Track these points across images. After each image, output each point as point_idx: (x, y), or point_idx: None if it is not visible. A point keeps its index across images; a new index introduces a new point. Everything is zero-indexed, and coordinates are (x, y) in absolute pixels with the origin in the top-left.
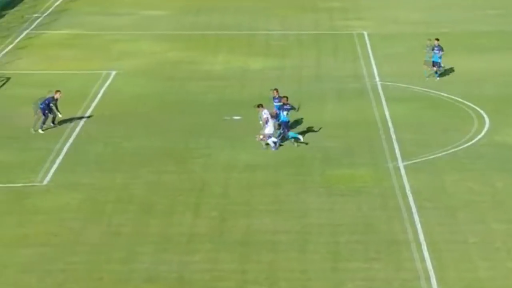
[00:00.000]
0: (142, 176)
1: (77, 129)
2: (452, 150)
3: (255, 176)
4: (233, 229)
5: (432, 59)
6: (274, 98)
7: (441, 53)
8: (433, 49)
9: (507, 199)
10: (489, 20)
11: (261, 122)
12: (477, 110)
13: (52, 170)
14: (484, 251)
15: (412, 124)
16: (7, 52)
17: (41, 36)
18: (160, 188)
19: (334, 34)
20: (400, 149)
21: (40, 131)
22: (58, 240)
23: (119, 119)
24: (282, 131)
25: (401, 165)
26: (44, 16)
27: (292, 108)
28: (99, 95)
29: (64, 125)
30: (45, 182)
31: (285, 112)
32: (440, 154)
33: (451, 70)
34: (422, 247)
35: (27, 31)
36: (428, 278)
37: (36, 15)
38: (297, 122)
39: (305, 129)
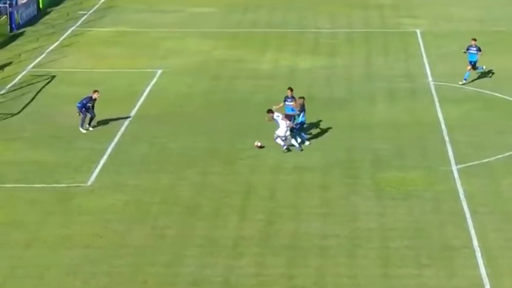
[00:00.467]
0: (188, 177)
1: (122, 129)
2: (508, 153)
3: (303, 178)
4: (280, 233)
5: (469, 59)
6: (287, 97)
7: (478, 53)
8: (468, 49)
9: None
10: None
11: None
12: None
13: (97, 171)
14: None
15: (466, 126)
16: (52, 50)
17: (87, 34)
18: (205, 189)
19: (385, 32)
20: (453, 152)
21: (81, 129)
22: (102, 242)
23: (164, 118)
24: (296, 130)
25: (454, 168)
26: (90, 13)
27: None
28: (145, 94)
29: (109, 124)
30: (89, 183)
31: (302, 113)
32: (495, 157)
33: (506, 70)
34: (476, 253)
35: (72, 28)
36: (482, 286)
37: (82, 12)
38: (347, 122)
39: (354, 130)
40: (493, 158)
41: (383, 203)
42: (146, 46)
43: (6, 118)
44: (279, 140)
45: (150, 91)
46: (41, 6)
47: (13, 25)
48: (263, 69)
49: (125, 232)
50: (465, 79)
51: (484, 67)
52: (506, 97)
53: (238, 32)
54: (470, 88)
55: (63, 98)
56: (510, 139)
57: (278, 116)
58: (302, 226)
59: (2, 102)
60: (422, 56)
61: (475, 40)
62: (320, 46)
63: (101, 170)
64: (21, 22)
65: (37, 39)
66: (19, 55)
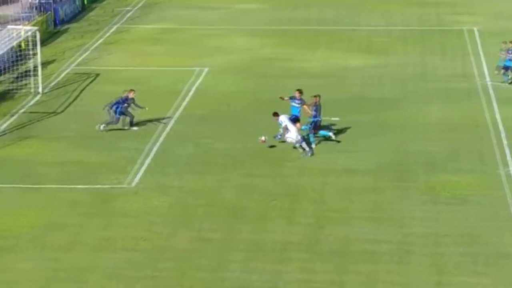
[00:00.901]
0: (234, 179)
1: (167, 129)
2: None
3: (353, 181)
4: (329, 238)
5: (504, 63)
6: (294, 98)
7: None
8: (507, 52)
9: None
10: None
11: (281, 130)
12: None
13: (141, 172)
14: None
15: None
16: (96, 47)
17: (131, 31)
18: (252, 192)
19: (441, 30)
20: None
21: (101, 127)
22: (146, 245)
23: (210, 118)
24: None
25: None
26: (135, 10)
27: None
28: (190, 93)
29: (154, 124)
30: (133, 184)
31: (316, 113)
32: None
33: None
34: None
35: (117, 25)
36: None
37: (126, 8)
38: (400, 123)
39: (407, 132)
40: None
41: (437, 208)
42: (191, 43)
43: (49, 117)
44: (304, 145)
45: (196, 90)
46: (85, 2)
47: (57, 22)
48: (313, 68)
49: (169, 235)
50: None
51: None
52: None
53: (287, 29)
54: None
55: (107, 96)
56: None
57: (283, 121)
58: (352, 231)
59: (45, 100)
60: (479, 55)
61: None
62: (372, 44)
63: (145, 171)
64: (65, 19)
65: (81, 36)
66: (63, 52)
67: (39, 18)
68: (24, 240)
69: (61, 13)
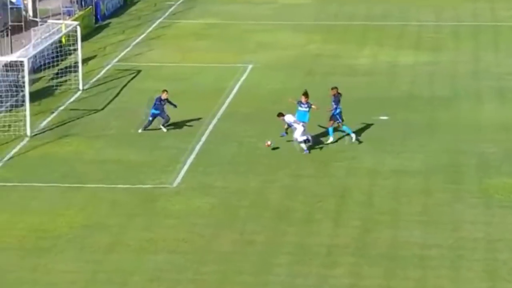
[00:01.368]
0: (279, 180)
1: (210, 127)
2: None
3: (402, 183)
4: (377, 241)
5: None
6: (300, 102)
7: None
8: None
9: None
10: None
11: (294, 125)
12: None
13: (183, 171)
14: None
15: None
16: (138, 43)
17: (174, 26)
18: (298, 193)
19: (495, 26)
20: None
21: (140, 130)
22: (188, 247)
23: (255, 116)
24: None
25: None
26: (178, 4)
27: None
28: (234, 90)
29: (197, 122)
30: (175, 184)
31: (336, 106)
32: None
33: None
34: None
35: (159, 20)
36: None
37: (169, 3)
38: (451, 122)
39: (459, 132)
40: None
41: (490, 212)
42: (236, 39)
43: (89, 114)
44: (302, 145)
45: (240, 87)
46: None
47: (99, 17)
48: (361, 65)
49: (212, 237)
50: None
51: None
52: None
53: (334, 25)
54: None
55: (149, 93)
56: None
57: (289, 119)
58: (401, 235)
59: (85, 97)
60: None
61: None
62: (423, 41)
63: (187, 171)
64: (106, 13)
65: (123, 31)
66: (104, 48)
67: (80, 13)
68: (63, 241)
69: (102, 7)
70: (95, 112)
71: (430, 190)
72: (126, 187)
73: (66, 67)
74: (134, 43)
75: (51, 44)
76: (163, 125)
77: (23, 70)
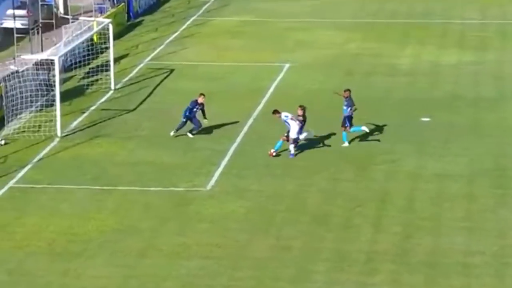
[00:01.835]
0: (316, 183)
1: (245, 128)
2: None
3: (445, 187)
4: (418, 248)
5: None
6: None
7: None
8: None
9: None
10: None
11: (295, 123)
12: None
13: (217, 174)
14: None
15: None
16: (172, 41)
17: (209, 23)
18: (336, 197)
19: None
20: None
21: (172, 133)
22: (221, 252)
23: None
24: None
25: None
26: (212, 1)
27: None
28: (270, 90)
29: (231, 123)
30: (209, 187)
31: (347, 107)
32: None
33: None
34: None
35: (193, 17)
36: None
37: (204, 0)
38: (496, 125)
39: (504, 134)
40: None
41: None
42: (272, 37)
43: (121, 114)
44: (291, 147)
45: (276, 87)
46: None
47: (131, 14)
48: (402, 65)
49: (247, 243)
50: None
51: None
52: None
53: (375, 22)
54: None
55: (182, 93)
56: None
57: (286, 117)
58: (443, 241)
59: (117, 97)
60: None
61: None
62: (467, 39)
63: (221, 174)
64: (139, 11)
65: (156, 29)
66: (137, 46)
67: (113, 10)
68: (94, 245)
69: (135, 4)
70: (127, 113)
71: (474, 195)
72: (158, 190)
73: (97, 66)
74: (168, 41)
75: (83, 42)
76: (191, 132)
77: (53, 69)
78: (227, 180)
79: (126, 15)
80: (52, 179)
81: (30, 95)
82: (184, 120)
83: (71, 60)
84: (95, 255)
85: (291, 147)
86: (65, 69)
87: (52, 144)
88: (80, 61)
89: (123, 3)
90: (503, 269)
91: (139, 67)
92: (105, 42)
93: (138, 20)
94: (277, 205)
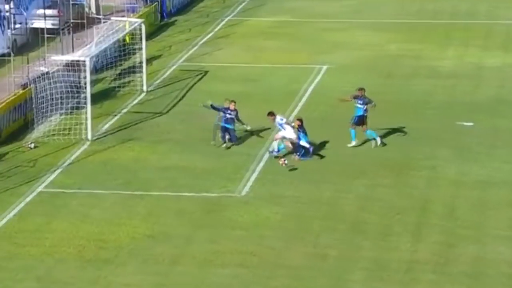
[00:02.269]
0: (354, 190)
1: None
2: None
3: (489, 195)
4: (460, 258)
5: None
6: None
7: None
8: None
9: None
10: None
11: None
12: None
13: (252, 179)
14: None
15: None
16: (206, 42)
17: (244, 24)
18: (374, 204)
19: None
20: None
21: (212, 142)
22: (256, 260)
23: (329, 121)
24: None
25: None
26: (248, 1)
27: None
28: (307, 93)
29: (266, 127)
30: (243, 193)
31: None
32: None
33: None
34: None
35: (228, 18)
36: None
37: None
38: None
39: None
40: None
41: None
42: (309, 38)
43: (153, 117)
44: (274, 144)
45: (313, 89)
46: None
47: (164, 14)
48: (445, 67)
49: (282, 251)
50: None
51: None
52: None
53: (416, 23)
54: None
55: (216, 96)
56: None
57: (282, 120)
58: (487, 251)
59: (149, 99)
60: None
61: None
62: None
63: (256, 179)
64: (172, 10)
65: (189, 29)
66: (169, 47)
67: (145, 10)
68: (125, 252)
69: (168, 4)
70: (159, 116)
71: None
72: (191, 196)
73: (129, 68)
74: (201, 42)
75: (114, 43)
76: (226, 142)
77: (84, 70)
78: (262, 185)
79: (158, 14)
80: (82, 184)
81: (60, 97)
82: (222, 134)
83: (102, 61)
84: (126, 263)
85: (274, 153)
86: (96, 70)
87: (82, 148)
88: (111, 62)
89: (155, 3)
90: None
91: (172, 69)
92: (137, 43)
93: (171, 20)
94: (313, 212)
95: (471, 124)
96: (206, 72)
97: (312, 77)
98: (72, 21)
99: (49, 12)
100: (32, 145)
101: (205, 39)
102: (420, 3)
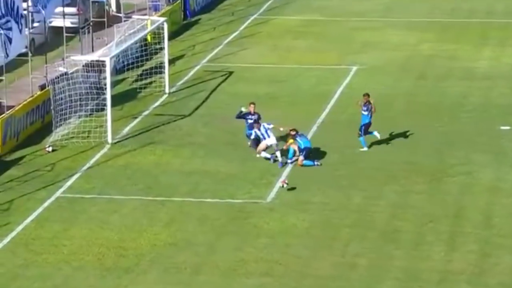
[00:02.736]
0: (385, 196)
1: (309, 136)
2: None
3: None
4: (497, 268)
5: None
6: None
7: None
8: None
9: None
10: None
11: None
12: None
13: (278, 185)
14: None
15: None
16: (230, 41)
17: (270, 23)
18: (406, 212)
19: None
20: None
21: (258, 155)
22: (282, 270)
23: (357, 124)
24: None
25: None
26: None
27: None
28: (336, 95)
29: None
30: (269, 199)
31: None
32: None
33: None
34: None
35: (254, 16)
36: None
37: None
38: None
39: None
40: None
41: None
42: (339, 38)
43: (175, 120)
44: (264, 155)
45: (343, 91)
46: None
47: (188, 12)
48: (480, 68)
49: (309, 260)
50: None
51: None
52: None
53: (450, 22)
54: None
55: (241, 98)
56: None
57: (269, 125)
58: None
59: (172, 101)
60: None
61: None
62: None
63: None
64: (196, 9)
65: (214, 28)
66: (193, 46)
67: (168, 8)
68: (146, 260)
69: (192, 2)
70: (182, 118)
71: None
72: (214, 202)
73: (151, 68)
74: (226, 41)
75: (136, 42)
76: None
77: (105, 71)
78: (289, 192)
79: (182, 13)
80: (102, 189)
81: (80, 98)
82: (251, 141)
83: (123, 62)
84: (147, 271)
85: (265, 155)
86: (117, 71)
87: (102, 151)
88: (132, 63)
89: (179, 1)
90: None
91: (195, 69)
92: (159, 42)
93: (194, 18)
94: (342, 219)
95: (508, 127)
96: (231, 73)
97: (341, 78)
98: (92, 19)
99: (68, 10)
100: (50, 149)
101: (229, 39)
102: (454, 1)
